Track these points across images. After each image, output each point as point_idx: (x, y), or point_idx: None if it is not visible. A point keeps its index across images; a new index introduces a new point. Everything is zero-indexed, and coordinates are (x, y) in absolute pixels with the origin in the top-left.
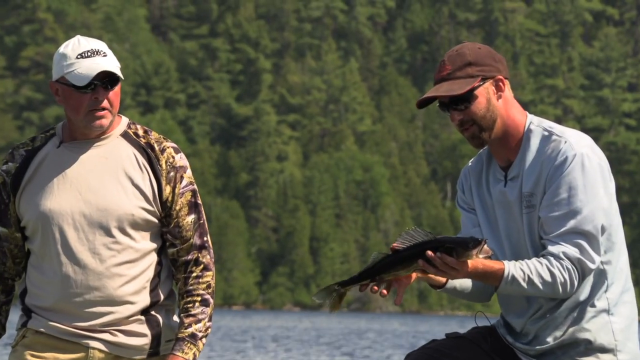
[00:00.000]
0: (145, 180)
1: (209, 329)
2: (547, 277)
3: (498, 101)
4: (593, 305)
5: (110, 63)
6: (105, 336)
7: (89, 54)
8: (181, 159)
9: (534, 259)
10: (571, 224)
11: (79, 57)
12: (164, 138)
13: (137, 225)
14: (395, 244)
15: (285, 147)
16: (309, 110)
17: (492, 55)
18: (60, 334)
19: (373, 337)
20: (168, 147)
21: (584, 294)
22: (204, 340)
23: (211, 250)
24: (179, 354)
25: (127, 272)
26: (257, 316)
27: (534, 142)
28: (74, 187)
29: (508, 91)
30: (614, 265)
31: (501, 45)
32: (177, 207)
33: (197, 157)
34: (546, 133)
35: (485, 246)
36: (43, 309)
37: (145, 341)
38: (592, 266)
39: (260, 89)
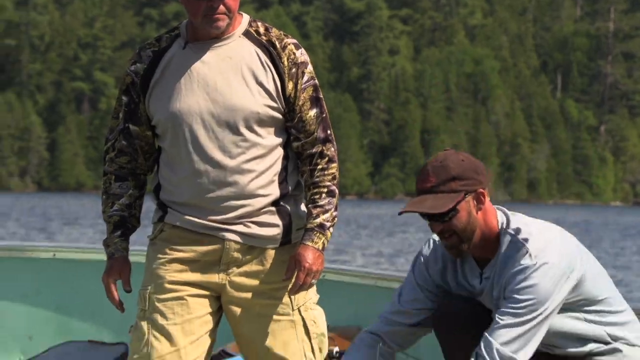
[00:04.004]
0: (268, 78)
1: (336, 218)
2: None
3: (478, 213)
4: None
5: None
6: (240, 228)
7: None
8: (302, 55)
9: None
10: (508, 340)
11: None
12: (284, 35)
13: (263, 122)
14: None
15: (397, 42)
16: (421, 4)
17: (475, 168)
18: (197, 227)
19: None
20: (289, 44)
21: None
22: (331, 229)
23: (334, 143)
24: (309, 243)
25: (256, 167)
26: (370, 205)
27: (504, 248)
28: (201, 87)
29: (487, 201)
30: (617, 318)
31: None
32: (300, 103)
33: (311, 52)
34: (513, 240)
35: None
36: (178, 204)
37: (277, 231)
38: None
39: None
